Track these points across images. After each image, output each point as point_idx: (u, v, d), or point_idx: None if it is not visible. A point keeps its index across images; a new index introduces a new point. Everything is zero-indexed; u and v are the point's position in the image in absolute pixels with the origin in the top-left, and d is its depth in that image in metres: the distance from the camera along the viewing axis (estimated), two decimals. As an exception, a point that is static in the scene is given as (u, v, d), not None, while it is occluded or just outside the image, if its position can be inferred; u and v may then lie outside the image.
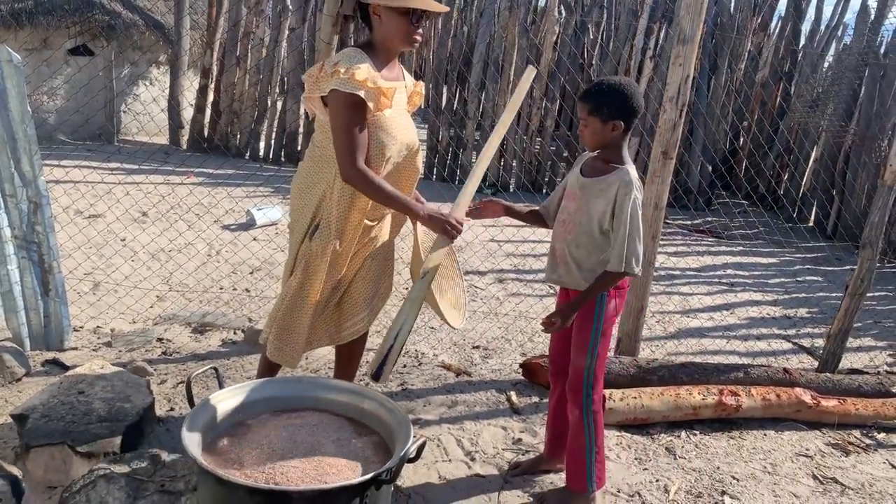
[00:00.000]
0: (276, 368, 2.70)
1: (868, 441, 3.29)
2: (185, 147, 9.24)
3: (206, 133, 9.17)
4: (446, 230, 2.38)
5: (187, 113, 9.45)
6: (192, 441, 1.88)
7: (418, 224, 2.47)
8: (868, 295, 3.85)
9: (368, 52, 2.37)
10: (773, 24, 9.61)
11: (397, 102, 2.44)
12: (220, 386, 2.17)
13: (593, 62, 8.81)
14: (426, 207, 2.46)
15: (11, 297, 3.26)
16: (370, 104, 2.29)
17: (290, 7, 8.81)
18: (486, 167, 2.58)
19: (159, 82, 9.88)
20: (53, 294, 3.36)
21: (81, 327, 3.71)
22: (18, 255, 3.26)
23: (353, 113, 2.29)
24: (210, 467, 1.76)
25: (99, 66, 8.86)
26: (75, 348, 3.44)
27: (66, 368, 3.18)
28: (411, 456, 1.90)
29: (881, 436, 3.36)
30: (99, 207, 5.43)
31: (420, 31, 2.38)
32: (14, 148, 3.15)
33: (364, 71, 2.27)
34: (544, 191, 8.74)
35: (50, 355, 3.31)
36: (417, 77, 16.09)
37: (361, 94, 2.25)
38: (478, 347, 3.98)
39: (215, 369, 2.20)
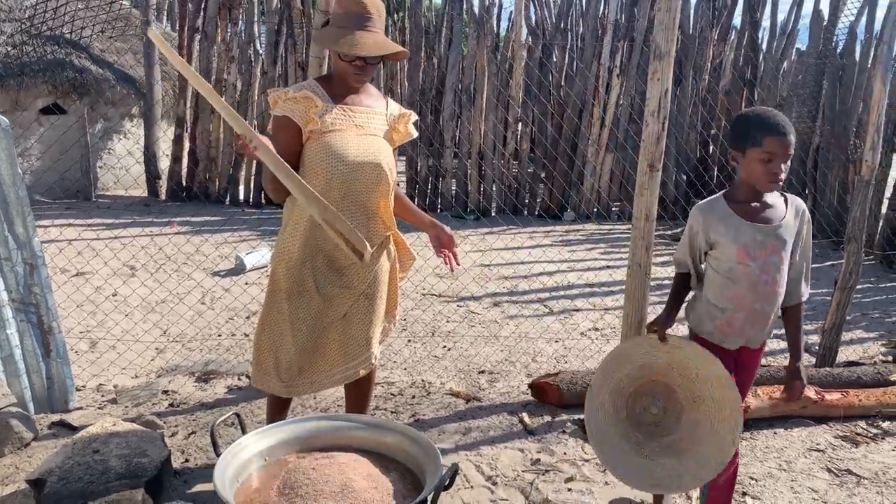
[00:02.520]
0: (282, 406, 2.69)
1: (875, 430, 3.36)
2: (164, 198, 9.22)
3: (184, 182, 9.16)
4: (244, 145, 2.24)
5: (164, 163, 9.45)
6: (223, 487, 1.87)
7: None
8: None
9: (327, 81, 2.48)
10: (731, 34, 9.90)
11: (363, 124, 2.47)
12: (243, 431, 2.17)
13: (562, 84, 8.98)
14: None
15: (13, 361, 3.22)
16: (294, 119, 2.37)
17: (261, 51, 8.90)
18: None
19: (133, 135, 9.87)
20: (55, 355, 3.33)
21: (84, 386, 3.67)
22: (17, 319, 3.23)
23: (280, 131, 2.40)
24: (248, 513, 1.76)
25: (71, 123, 8.84)
26: (81, 408, 3.40)
27: (75, 429, 3.14)
28: (445, 483, 1.91)
29: (886, 424, 3.42)
30: (88, 265, 5.39)
31: (361, 72, 2.43)
32: (7, 211, 3.14)
33: (283, 93, 2.40)
34: (525, 213, 8.85)
35: (56, 417, 3.27)
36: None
37: (282, 112, 2.38)
38: (483, 372, 4.00)
39: (237, 415, 2.20)
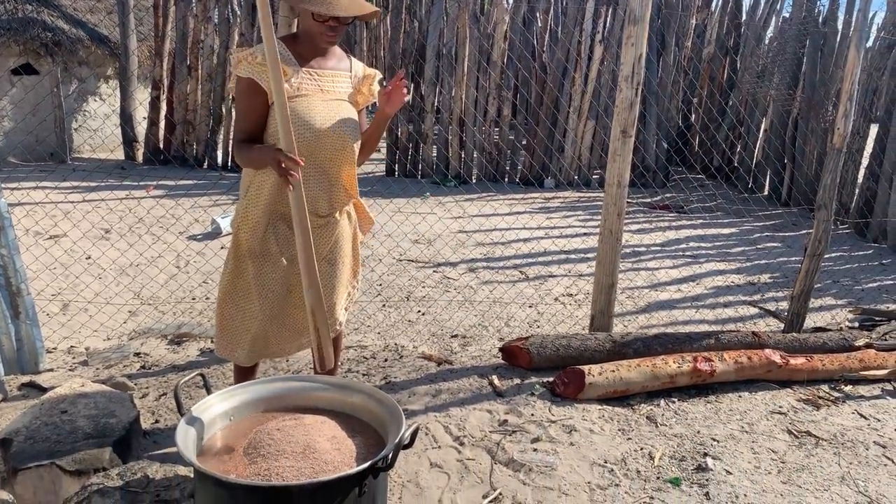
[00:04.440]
0: (248, 373, 2.69)
1: (836, 394, 3.43)
2: (141, 161, 9.10)
3: (161, 145, 9.04)
4: (284, 171, 2.18)
5: (141, 127, 9.30)
6: (187, 446, 1.88)
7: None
8: (825, 256, 4.00)
9: (292, 41, 2.41)
10: (715, 0, 9.85)
11: (328, 88, 2.43)
12: (208, 392, 2.18)
13: (545, 49, 8.90)
14: (269, 148, 2.29)
15: (-19, 324, 3.20)
16: (261, 83, 2.30)
17: (239, 13, 8.73)
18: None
19: (109, 97, 9.69)
20: (24, 317, 3.31)
21: (55, 348, 3.66)
22: (-16, 281, 3.20)
23: (246, 95, 2.34)
24: (209, 470, 1.78)
25: (45, 85, 8.65)
26: (51, 370, 3.39)
27: (44, 391, 3.13)
28: (405, 443, 1.93)
29: (848, 388, 3.50)
30: (61, 227, 5.33)
31: (333, 33, 2.37)
32: (-29, 171, 3.09)
33: (251, 54, 2.32)
34: (505, 180, 8.84)
35: (26, 378, 3.26)
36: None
37: (250, 74, 2.31)
38: (456, 336, 4.03)
39: (202, 376, 2.20)
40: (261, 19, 2.14)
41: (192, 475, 2.17)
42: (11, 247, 3.23)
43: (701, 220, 7.34)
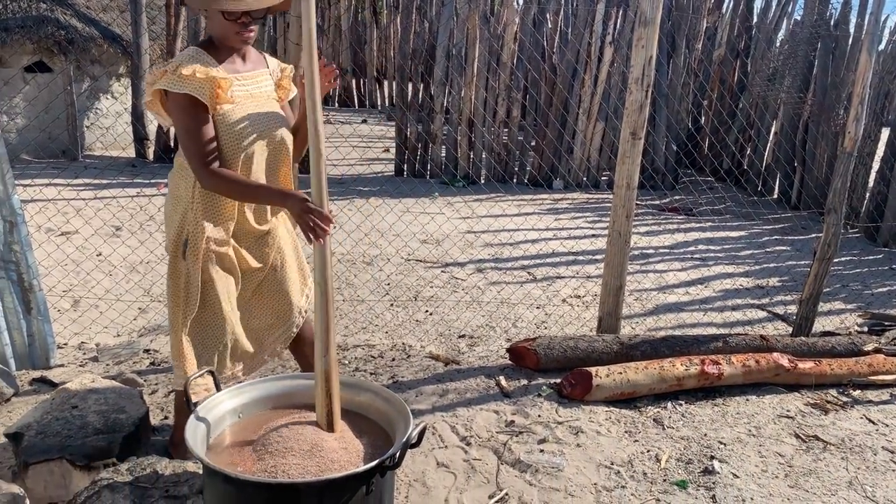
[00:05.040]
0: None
1: (845, 399, 3.42)
2: (152, 159, 9.14)
3: (172, 144, 9.08)
4: (307, 222, 2.04)
5: (153, 125, 9.35)
6: (196, 443, 1.90)
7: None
8: (834, 260, 3.98)
9: (210, 48, 2.27)
10: (726, 3, 9.81)
11: (256, 92, 2.35)
12: (217, 388, 2.20)
13: (554, 50, 8.90)
14: (295, 197, 2.14)
15: (-7, 318, 3.24)
16: (203, 99, 2.17)
17: (249, 11, 8.76)
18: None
19: (121, 95, 9.75)
20: (36, 312, 3.34)
21: (66, 344, 3.69)
22: (-3, 276, 3.23)
23: (189, 113, 2.18)
24: (218, 466, 1.79)
25: (58, 82, 8.72)
26: (62, 365, 3.42)
27: (55, 386, 3.17)
28: (413, 442, 1.94)
29: (857, 393, 3.49)
30: (73, 224, 5.37)
31: (248, 29, 2.24)
32: (-15, 168, 3.12)
33: (189, 67, 2.16)
34: (514, 181, 8.84)
35: (37, 374, 3.29)
36: (379, 74, 15.83)
37: (188, 90, 2.15)
38: (463, 336, 4.04)
39: (211, 372, 2.22)
40: (304, 42, 1.99)
41: (200, 471, 2.19)
42: (24, 243, 3.26)
43: (710, 223, 7.32)
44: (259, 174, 2.37)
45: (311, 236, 2.04)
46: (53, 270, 4.59)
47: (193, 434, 1.95)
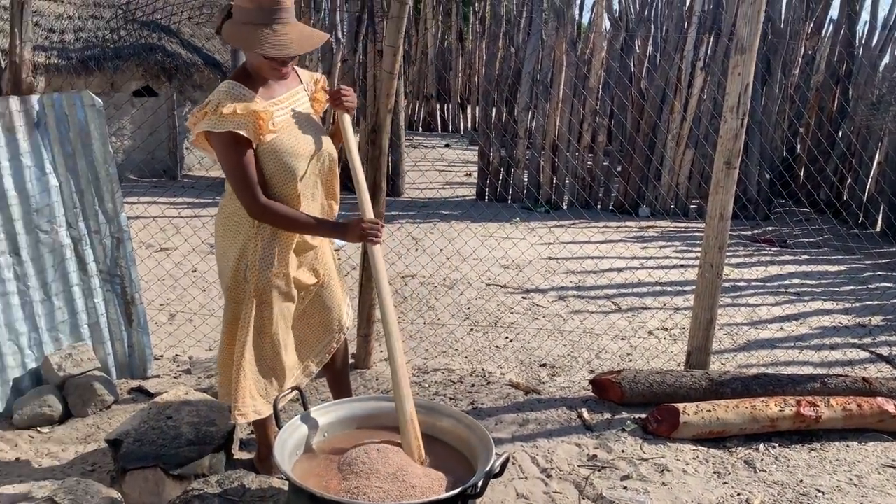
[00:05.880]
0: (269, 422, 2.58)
1: (959, 451, 3.17)
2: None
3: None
4: (366, 236, 2.31)
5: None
6: (283, 459, 1.95)
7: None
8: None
9: (245, 79, 2.29)
10: (826, 27, 9.44)
11: (295, 113, 2.37)
12: (304, 407, 2.25)
13: (643, 75, 8.77)
14: (347, 225, 2.34)
15: (98, 329, 3.43)
16: (245, 134, 2.20)
17: (342, 39, 9.06)
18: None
19: (219, 118, 10.24)
20: (136, 325, 3.52)
21: (161, 356, 3.87)
22: (104, 289, 3.43)
23: (234, 150, 2.21)
24: (304, 484, 1.83)
25: (161, 104, 9.25)
26: (158, 376, 3.59)
27: (151, 396, 3.32)
28: (496, 472, 1.92)
29: (973, 445, 3.23)
30: (172, 241, 5.66)
31: (284, 68, 2.28)
32: (98, 187, 3.33)
33: (229, 106, 2.19)
34: (599, 206, 8.72)
35: (135, 383, 3.46)
36: (463, 99, 15.99)
37: (231, 128, 2.18)
38: (544, 365, 3.99)
39: (299, 390, 2.28)
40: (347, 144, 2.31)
41: (285, 487, 2.23)
42: (129, 259, 3.45)
43: (806, 256, 6.98)
44: (316, 194, 2.43)
45: (370, 242, 2.31)
46: (153, 285, 4.83)
47: (281, 451, 2.00)
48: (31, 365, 3.21)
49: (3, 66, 6.72)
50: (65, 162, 3.23)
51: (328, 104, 2.51)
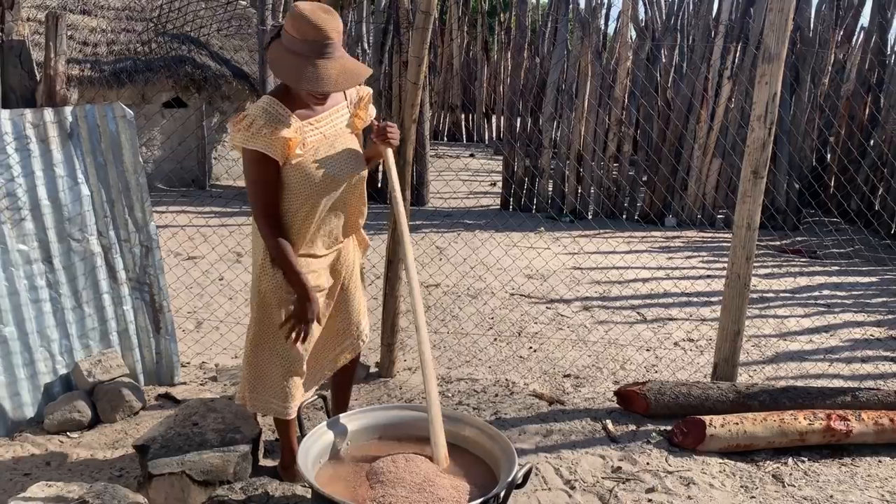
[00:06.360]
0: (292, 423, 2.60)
1: None
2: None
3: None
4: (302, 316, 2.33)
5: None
6: (307, 467, 1.96)
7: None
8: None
9: (285, 97, 2.32)
10: (857, 35, 9.30)
11: (330, 132, 2.41)
12: (328, 414, 2.26)
13: (669, 85, 8.72)
14: (301, 299, 2.34)
15: (127, 336, 3.48)
16: (273, 156, 2.25)
17: (368, 50, 9.14)
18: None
19: (246, 129, 10.37)
20: (164, 332, 3.57)
21: (188, 363, 3.91)
22: (132, 297, 3.48)
23: (259, 167, 2.27)
24: (328, 493, 1.84)
25: (190, 115, 9.41)
26: (184, 383, 3.63)
27: (178, 402, 3.36)
28: (518, 482, 1.92)
29: None
30: (200, 250, 5.73)
31: (324, 98, 2.34)
32: (128, 196, 3.39)
33: (263, 125, 2.24)
34: (624, 216, 8.66)
35: (162, 390, 3.51)
36: (488, 109, 16.05)
37: (260, 147, 2.23)
38: (569, 376, 3.97)
39: (323, 397, 2.29)
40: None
41: (308, 495, 2.25)
42: (157, 267, 3.51)
43: (836, 267, 6.86)
44: (334, 206, 2.44)
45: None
46: (181, 293, 4.90)
47: (304, 458, 2.01)
48: (62, 371, 3.27)
49: (39, 78, 6.89)
50: (96, 172, 3.29)
51: (370, 121, 2.57)
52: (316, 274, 2.47)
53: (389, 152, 2.50)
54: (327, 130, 2.40)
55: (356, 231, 2.64)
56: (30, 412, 3.16)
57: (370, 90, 2.60)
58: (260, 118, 2.25)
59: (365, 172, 2.52)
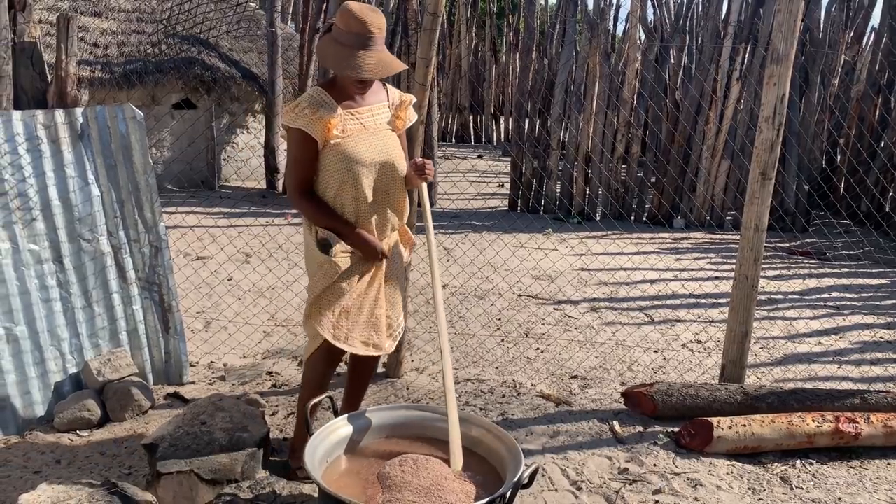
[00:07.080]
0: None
1: None
2: (282, 190, 9.67)
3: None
4: (375, 255, 2.54)
5: (284, 158, 9.92)
6: (313, 464, 1.97)
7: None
8: None
9: (332, 88, 2.53)
10: (867, 36, 9.26)
11: (370, 124, 2.56)
12: (335, 414, 2.27)
13: (677, 86, 8.70)
14: (360, 235, 2.53)
15: (136, 335, 3.51)
16: (313, 135, 2.44)
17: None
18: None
19: (255, 130, 10.43)
20: (173, 332, 3.59)
21: (197, 363, 3.93)
22: (142, 296, 3.51)
23: (299, 145, 2.48)
24: (335, 492, 1.85)
25: (199, 117, 9.46)
26: (193, 382, 3.65)
27: (186, 401, 3.38)
28: (524, 483, 1.92)
29: None
30: (209, 250, 5.77)
31: (364, 87, 2.53)
32: (137, 197, 3.42)
33: (307, 107, 2.45)
34: (632, 217, 8.65)
35: (171, 389, 3.53)
36: (496, 111, 16.11)
37: (302, 126, 2.44)
38: (576, 377, 3.96)
39: (330, 398, 2.31)
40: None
41: (315, 494, 2.26)
42: (166, 267, 3.53)
43: (846, 269, 6.83)
44: (369, 196, 2.55)
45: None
46: (189, 293, 4.92)
47: (312, 456, 2.02)
48: (72, 370, 3.30)
49: (50, 79, 6.95)
50: (107, 173, 3.32)
51: (410, 123, 2.73)
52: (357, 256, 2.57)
53: (424, 187, 2.68)
54: (367, 122, 2.57)
55: (400, 226, 2.74)
56: (40, 410, 3.19)
57: (412, 97, 2.77)
58: (304, 101, 2.48)
59: (404, 168, 2.65)
